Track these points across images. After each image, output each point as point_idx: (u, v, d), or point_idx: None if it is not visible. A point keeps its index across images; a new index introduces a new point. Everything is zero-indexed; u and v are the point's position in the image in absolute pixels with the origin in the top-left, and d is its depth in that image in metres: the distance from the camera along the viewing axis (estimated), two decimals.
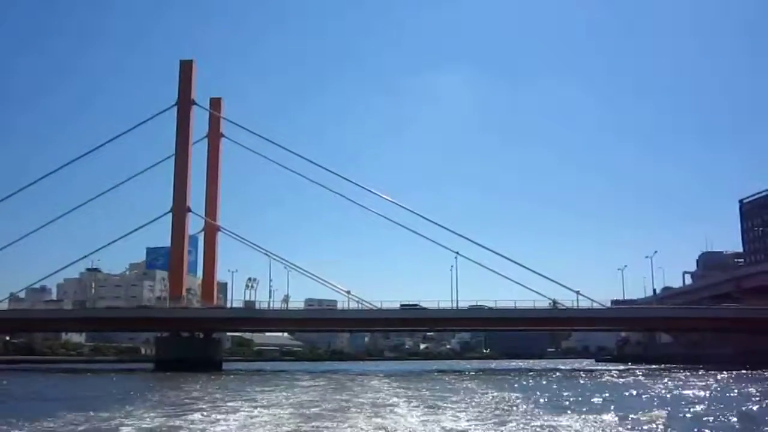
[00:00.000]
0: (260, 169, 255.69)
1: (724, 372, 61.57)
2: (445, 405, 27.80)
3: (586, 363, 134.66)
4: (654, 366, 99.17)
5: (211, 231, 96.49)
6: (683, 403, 29.64)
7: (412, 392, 36.99)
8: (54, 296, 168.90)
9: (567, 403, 29.70)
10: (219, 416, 23.51)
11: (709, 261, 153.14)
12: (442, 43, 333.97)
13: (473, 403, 28.99)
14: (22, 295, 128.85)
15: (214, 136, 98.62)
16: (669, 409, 26.33)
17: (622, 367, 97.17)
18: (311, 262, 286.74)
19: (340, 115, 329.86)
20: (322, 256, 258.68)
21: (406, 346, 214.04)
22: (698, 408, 27.10)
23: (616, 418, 22.33)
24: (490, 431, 19.69)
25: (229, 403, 29.29)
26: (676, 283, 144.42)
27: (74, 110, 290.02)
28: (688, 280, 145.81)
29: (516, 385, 45.20)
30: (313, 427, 20.48)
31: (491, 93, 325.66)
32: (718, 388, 41.30)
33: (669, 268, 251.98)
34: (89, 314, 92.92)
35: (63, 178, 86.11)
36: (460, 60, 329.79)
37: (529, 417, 22.99)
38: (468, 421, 21.95)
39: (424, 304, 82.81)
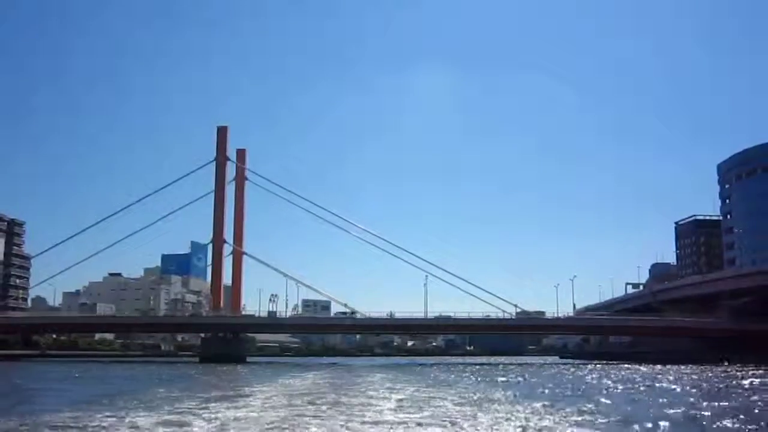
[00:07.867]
0: (276, 206, 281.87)
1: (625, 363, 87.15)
2: (405, 378, 54.39)
3: (550, 359, 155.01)
4: (596, 360, 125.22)
5: (237, 255, 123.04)
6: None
7: (389, 373, 63.47)
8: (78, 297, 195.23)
9: (478, 378, 56.74)
10: (295, 380, 49.58)
11: (658, 271, 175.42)
12: (420, 41, 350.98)
13: (420, 376, 55.73)
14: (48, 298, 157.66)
15: (240, 180, 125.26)
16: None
17: (561, 361, 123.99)
18: (311, 271, 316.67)
19: (322, 117, 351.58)
20: (320, 268, 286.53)
21: (395, 343, 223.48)
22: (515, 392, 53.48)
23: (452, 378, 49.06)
24: (422, 383, 46.06)
25: (291, 373, 55.92)
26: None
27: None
28: (630, 290, 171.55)
29: (455, 371, 71.61)
30: (344, 381, 46.76)
31: (469, 90, 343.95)
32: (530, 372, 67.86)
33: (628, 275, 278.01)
34: (156, 320, 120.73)
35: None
36: (438, 57, 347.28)
37: (448, 381, 49.60)
38: (415, 381, 48.50)
39: (400, 314, 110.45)
